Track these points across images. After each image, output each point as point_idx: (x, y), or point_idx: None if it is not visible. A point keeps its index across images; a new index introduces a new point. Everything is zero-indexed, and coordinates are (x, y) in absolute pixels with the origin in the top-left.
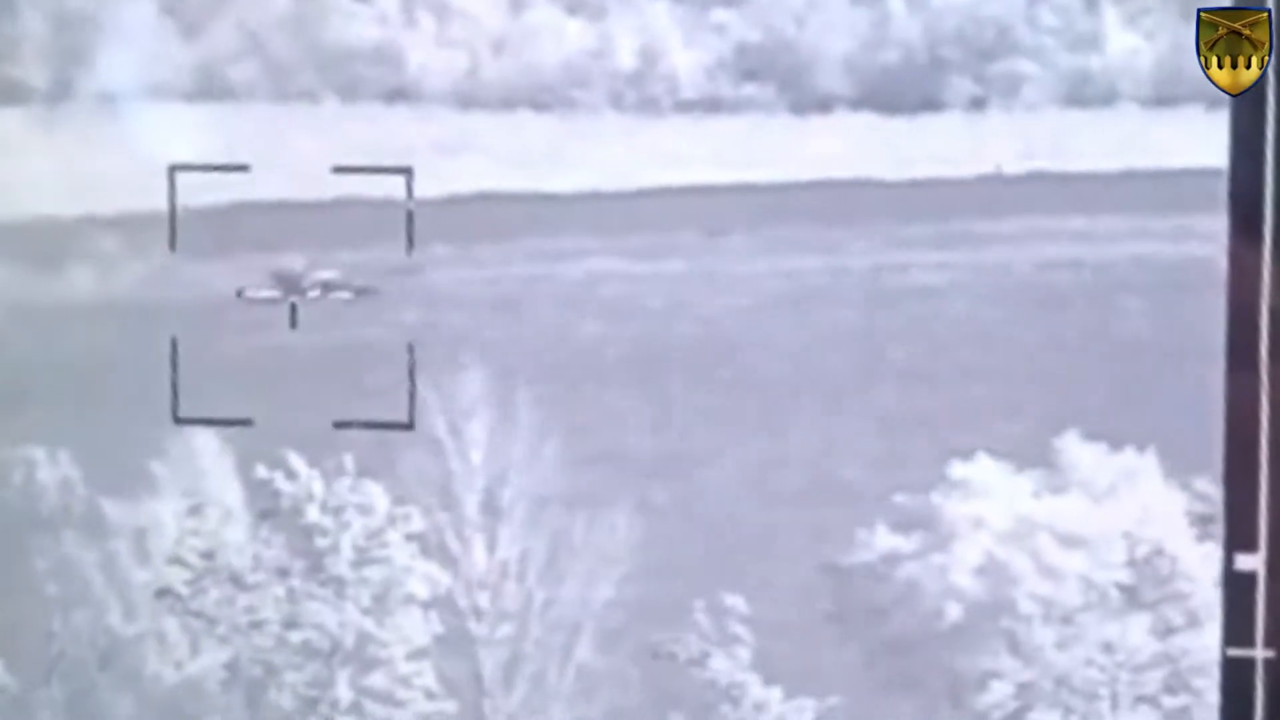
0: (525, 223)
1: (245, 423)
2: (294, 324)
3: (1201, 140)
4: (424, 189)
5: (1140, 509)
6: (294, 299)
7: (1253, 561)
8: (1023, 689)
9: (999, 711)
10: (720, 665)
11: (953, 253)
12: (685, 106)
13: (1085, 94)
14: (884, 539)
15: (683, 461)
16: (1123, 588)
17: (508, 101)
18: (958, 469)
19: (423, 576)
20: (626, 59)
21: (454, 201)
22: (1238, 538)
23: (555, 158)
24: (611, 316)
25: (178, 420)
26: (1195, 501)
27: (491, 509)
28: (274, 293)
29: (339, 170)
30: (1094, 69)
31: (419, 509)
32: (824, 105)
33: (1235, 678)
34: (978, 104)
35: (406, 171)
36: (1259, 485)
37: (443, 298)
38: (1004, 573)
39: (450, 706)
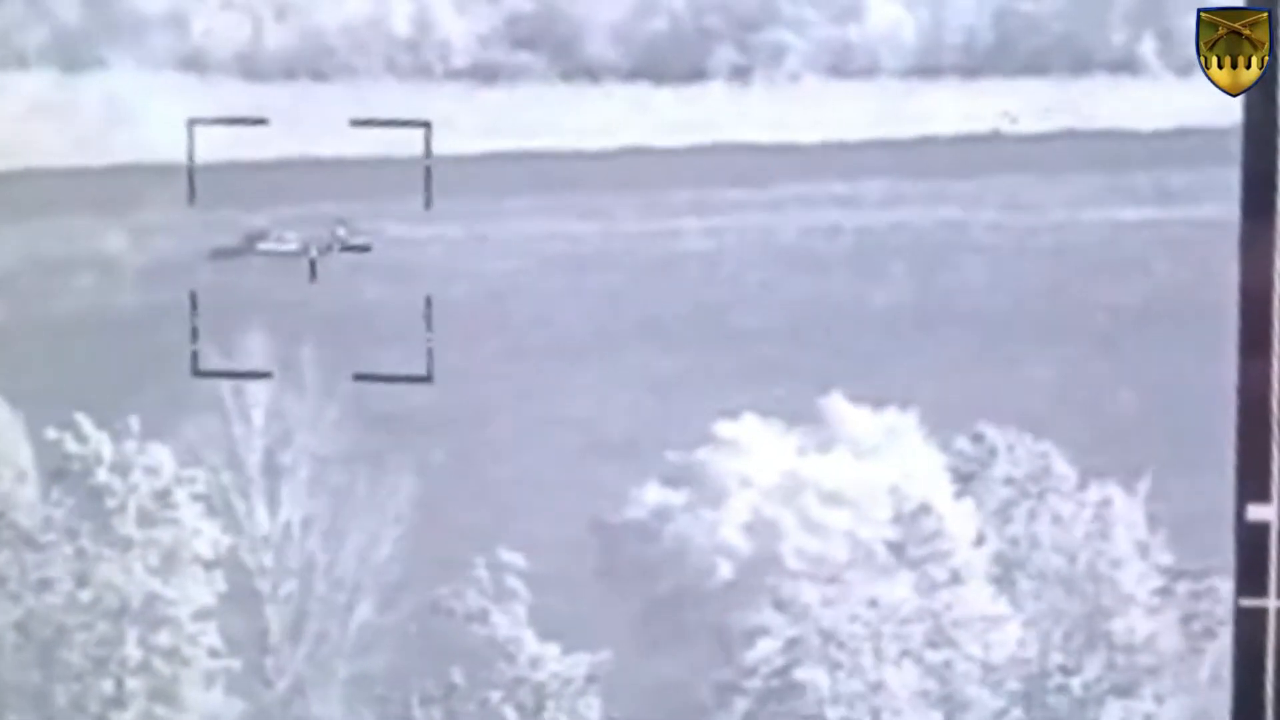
0: (312, 188)
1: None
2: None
3: (954, 109)
4: (209, 155)
5: (903, 467)
6: None
7: (1266, 512)
8: (790, 644)
9: (767, 666)
10: (498, 620)
11: (719, 219)
12: (458, 74)
13: (846, 64)
14: (655, 496)
15: (460, 422)
16: (889, 544)
17: (289, 70)
18: (726, 428)
19: (209, 537)
20: (402, 26)
21: (237, 167)
22: (1250, 489)
23: (338, 125)
24: (392, 280)
25: (197, 373)
26: (956, 460)
27: (274, 469)
28: None
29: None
30: (854, 40)
31: (204, 470)
32: (594, 74)
33: (1248, 628)
34: (741, 73)
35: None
36: (1271, 435)
37: (228, 261)
38: (772, 530)
39: (236, 664)
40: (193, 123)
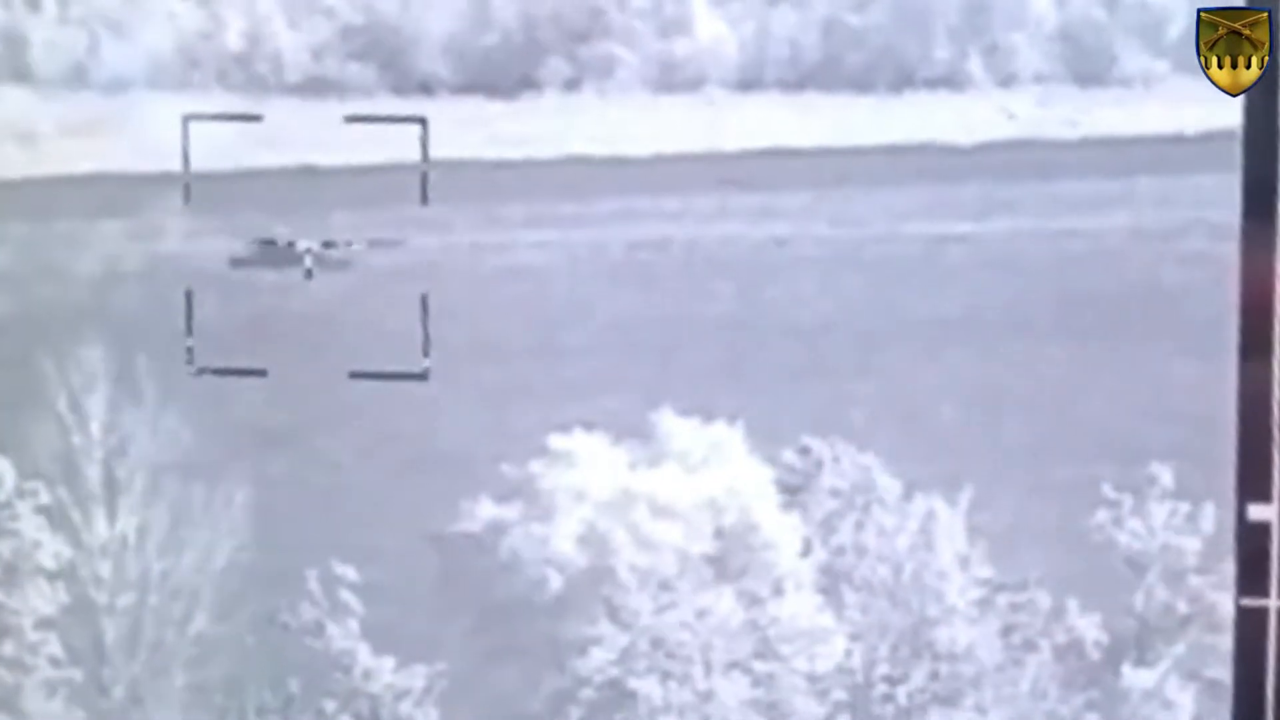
0: (144, 200)
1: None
2: None
3: (781, 123)
4: (50, 168)
5: (731, 480)
6: None
7: (1266, 512)
8: (622, 654)
9: (600, 676)
10: (333, 633)
11: (551, 232)
12: (291, 88)
13: (674, 78)
14: (488, 509)
15: (296, 434)
16: (718, 557)
17: (121, 82)
18: (558, 441)
19: (50, 548)
20: (234, 40)
21: (73, 181)
22: (1251, 488)
23: (172, 139)
24: (230, 294)
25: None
26: (782, 472)
27: (111, 481)
28: None
29: None
30: (681, 54)
31: (44, 482)
32: (426, 87)
33: (1248, 627)
34: (572, 86)
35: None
36: (1272, 435)
37: (68, 273)
38: (603, 543)
39: (76, 674)
40: (188, 119)
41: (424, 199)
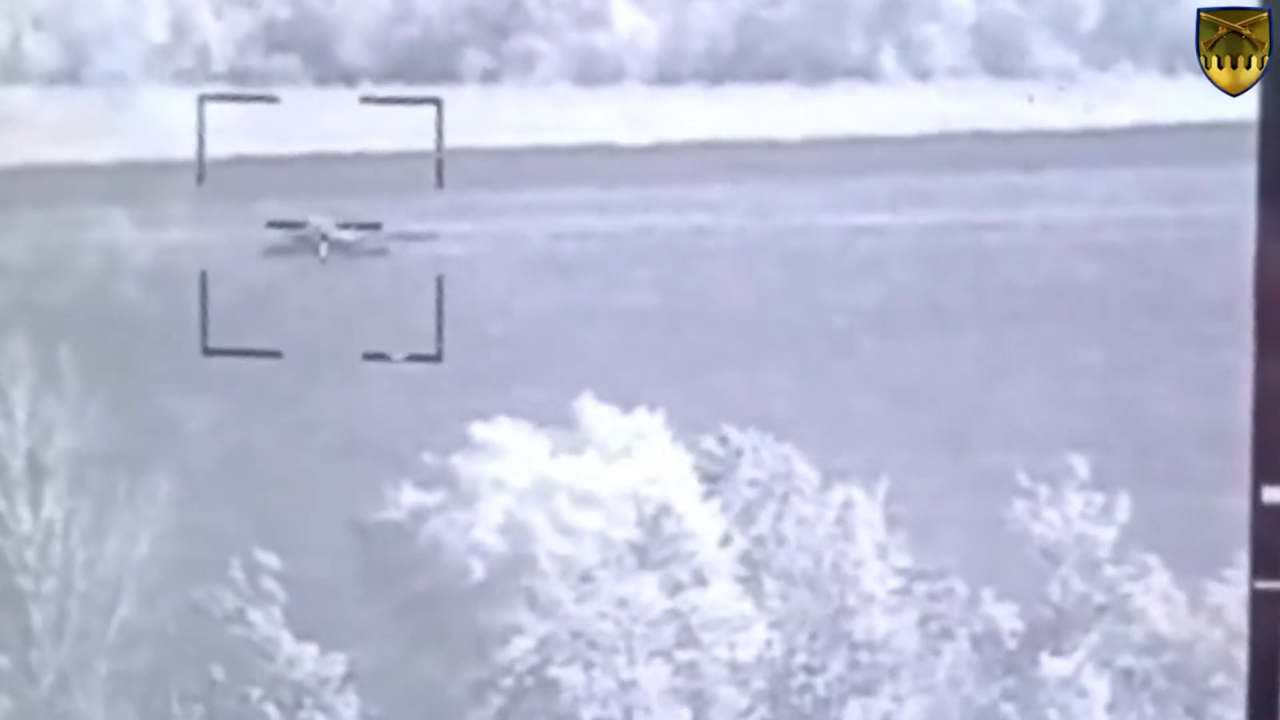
0: (64, 192)
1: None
2: None
3: (700, 115)
4: None
5: (651, 469)
6: None
7: None
8: (543, 643)
9: (521, 665)
10: (256, 620)
11: (472, 223)
12: (217, 78)
13: (593, 70)
14: (410, 497)
15: (219, 423)
16: (638, 546)
17: (49, 75)
18: (480, 430)
19: None
20: (159, 32)
21: None
22: (1265, 470)
23: (94, 129)
24: (148, 283)
25: (207, 352)
26: (702, 461)
27: (36, 469)
28: None
29: None
30: (602, 46)
31: None
32: (348, 78)
33: (1264, 610)
34: (492, 77)
35: None
36: None
37: None
38: (524, 531)
39: (2, 660)
40: (203, 99)
41: (439, 183)
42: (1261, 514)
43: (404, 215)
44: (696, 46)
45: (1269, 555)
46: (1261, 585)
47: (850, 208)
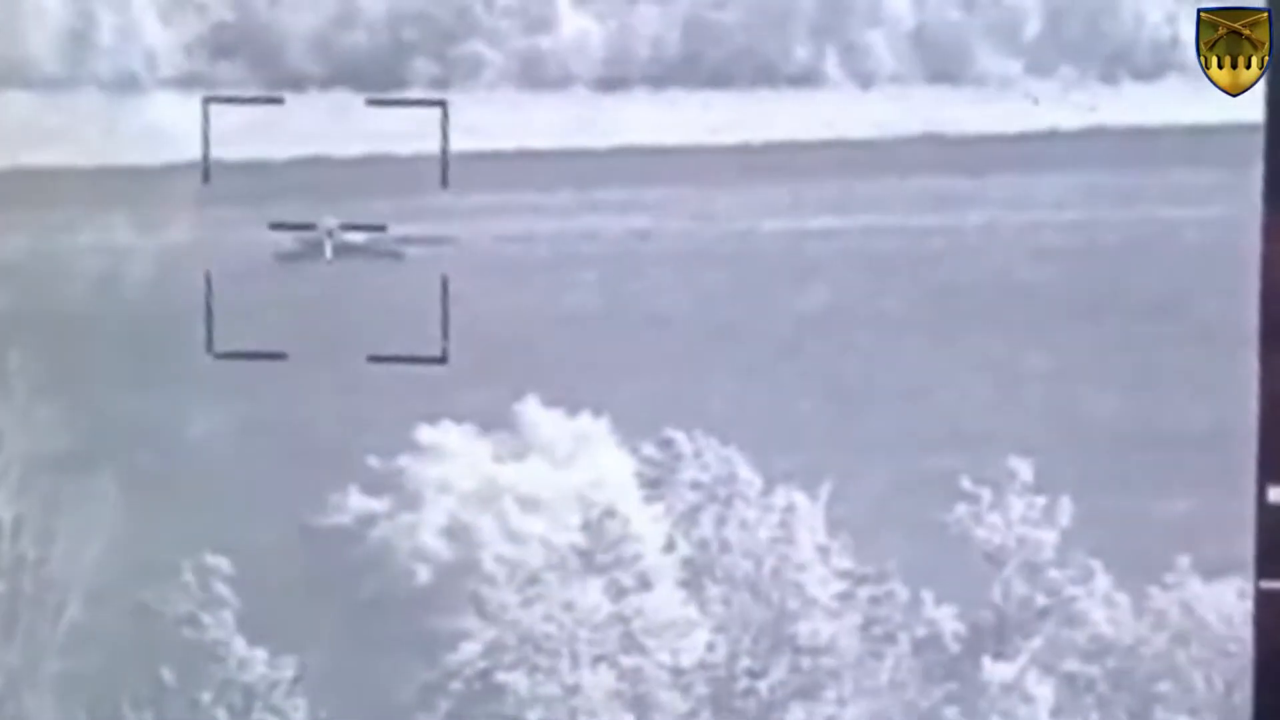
0: (6, 198)
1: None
2: None
3: (645, 119)
4: None
5: (596, 473)
6: None
7: None
8: (490, 648)
9: (469, 669)
10: (207, 623)
11: (417, 226)
12: (165, 83)
13: (539, 75)
14: (357, 501)
15: (169, 425)
16: (581, 550)
17: None
18: (425, 433)
19: None
20: (105, 36)
21: None
22: (1270, 469)
23: (38, 134)
24: (99, 285)
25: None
26: (644, 465)
27: None
28: None
29: None
30: (546, 50)
31: None
32: (296, 84)
33: (1269, 610)
34: (439, 84)
35: None
36: None
37: None
38: (470, 535)
39: None
40: (208, 100)
41: (445, 181)
42: (1267, 514)
43: (342, 219)
44: (641, 51)
45: (1274, 555)
46: (1266, 585)
47: (794, 212)
